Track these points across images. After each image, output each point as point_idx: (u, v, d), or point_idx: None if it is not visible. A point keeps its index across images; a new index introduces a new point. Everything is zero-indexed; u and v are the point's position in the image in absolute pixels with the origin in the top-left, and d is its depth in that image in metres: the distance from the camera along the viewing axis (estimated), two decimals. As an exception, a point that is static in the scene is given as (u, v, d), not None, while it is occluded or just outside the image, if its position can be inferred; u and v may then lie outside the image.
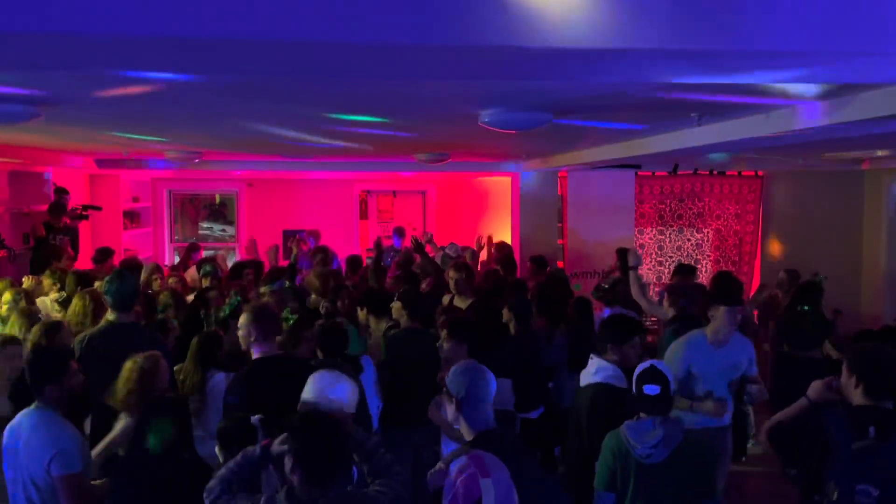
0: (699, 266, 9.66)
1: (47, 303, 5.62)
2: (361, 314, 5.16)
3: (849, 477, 2.71)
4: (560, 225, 9.84)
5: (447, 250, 8.02)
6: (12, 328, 4.50)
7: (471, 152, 8.15)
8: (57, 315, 5.17)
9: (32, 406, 3.23)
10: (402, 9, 2.07)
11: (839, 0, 2.26)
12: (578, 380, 4.01)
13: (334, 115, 4.89)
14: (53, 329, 4.14)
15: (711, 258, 10.14)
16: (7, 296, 5.08)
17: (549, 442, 5.17)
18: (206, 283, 6.33)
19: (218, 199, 11.68)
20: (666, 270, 9.64)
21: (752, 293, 8.42)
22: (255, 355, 3.68)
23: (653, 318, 7.27)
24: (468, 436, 2.91)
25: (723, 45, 2.27)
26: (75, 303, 4.75)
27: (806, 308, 6.26)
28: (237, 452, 2.74)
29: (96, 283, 5.21)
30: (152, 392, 3.44)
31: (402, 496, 2.66)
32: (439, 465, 2.84)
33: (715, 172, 9.92)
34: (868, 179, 9.99)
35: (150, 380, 3.47)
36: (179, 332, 4.92)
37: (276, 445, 2.59)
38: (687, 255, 10.04)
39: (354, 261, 7.79)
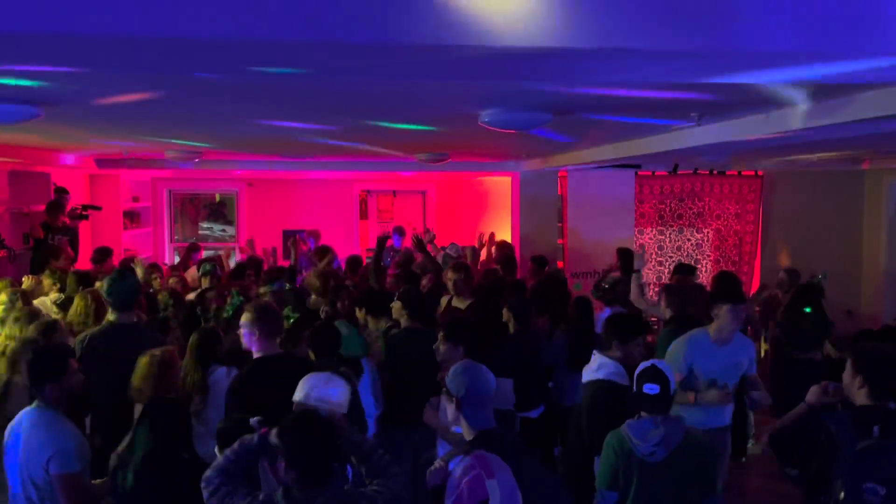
0: (699, 266, 9.67)
1: (47, 303, 5.62)
2: (360, 314, 5.16)
3: (855, 476, 2.72)
4: (560, 225, 9.84)
5: (448, 250, 8.02)
6: (12, 329, 4.49)
7: (471, 152, 8.16)
8: (56, 316, 5.16)
9: (33, 404, 3.24)
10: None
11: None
12: (580, 378, 4.02)
13: (334, 117, 4.90)
14: (50, 329, 4.14)
15: (711, 258, 10.14)
16: (2, 297, 5.07)
17: (548, 441, 5.17)
18: (205, 282, 6.34)
19: (218, 198, 11.68)
20: (666, 270, 9.64)
21: (752, 293, 8.42)
22: (256, 354, 3.67)
23: (653, 318, 7.27)
24: (469, 435, 2.91)
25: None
26: (77, 303, 4.75)
27: (807, 309, 6.27)
28: None
29: (97, 284, 5.21)
30: (168, 385, 3.47)
31: (400, 496, 2.67)
32: (438, 462, 2.85)
33: (715, 172, 9.92)
34: (868, 179, 10.00)
35: (166, 372, 3.49)
36: (179, 332, 4.93)
37: (274, 436, 2.60)
38: (687, 255, 10.04)
39: (354, 261, 7.79)
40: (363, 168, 9.65)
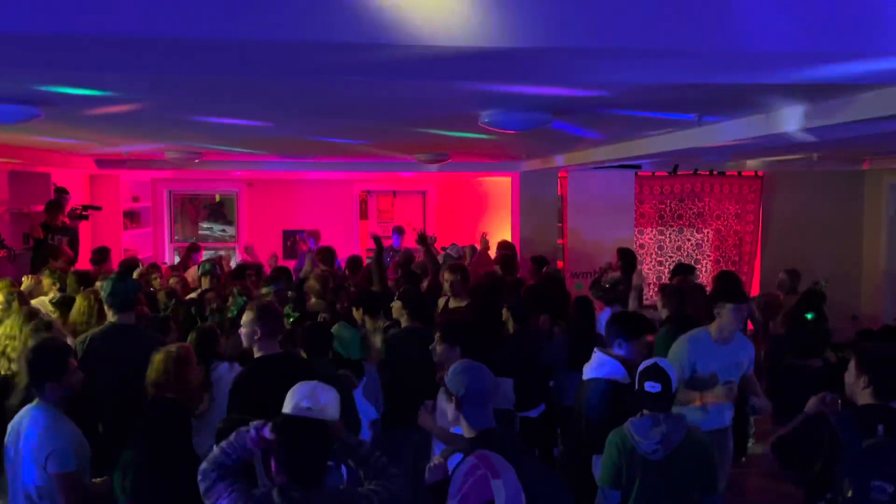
0: (699, 266, 9.68)
1: (46, 303, 5.61)
2: (357, 314, 5.16)
3: (862, 474, 2.72)
4: (560, 225, 9.84)
5: (449, 251, 8.02)
6: (13, 328, 4.48)
7: (471, 152, 8.16)
8: (53, 316, 5.15)
9: (34, 403, 3.25)
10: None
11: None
12: (580, 376, 4.03)
13: (337, 117, 4.90)
14: (45, 329, 4.14)
15: (711, 258, 10.15)
16: (0, 297, 5.06)
17: (548, 441, 5.17)
18: (205, 283, 6.34)
19: (218, 198, 11.69)
20: (666, 270, 9.64)
21: (751, 293, 8.42)
22: (257, 354, 3.66)
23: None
24: (469, 434, 2.91)
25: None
26: (79, 303, 4.75)
27: (808, 316, 6.27)
28: None
29: (97, 284, 5.21)
30: (185, 380, 3.48)
31: (398, 497, 2.66)
32: (437, 458, 2.84)
33: (715, 172, 9.93)
34: (868, 179, 10.00)
35: (182, 368, 3.50)
36: (178, 333, 4.92)
37: (270, 431, 2.60)
38: (687, 255, 10.04)
39: (355, 261, 7.78)
40: (363, 168, 9.65)
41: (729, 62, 2.52)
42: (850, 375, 2.97)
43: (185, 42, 2.11)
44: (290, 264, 8.49)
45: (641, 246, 9.91)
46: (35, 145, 7.02)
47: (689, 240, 10.13)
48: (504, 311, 5.13)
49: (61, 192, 8.23)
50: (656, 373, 3.25)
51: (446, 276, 5.85)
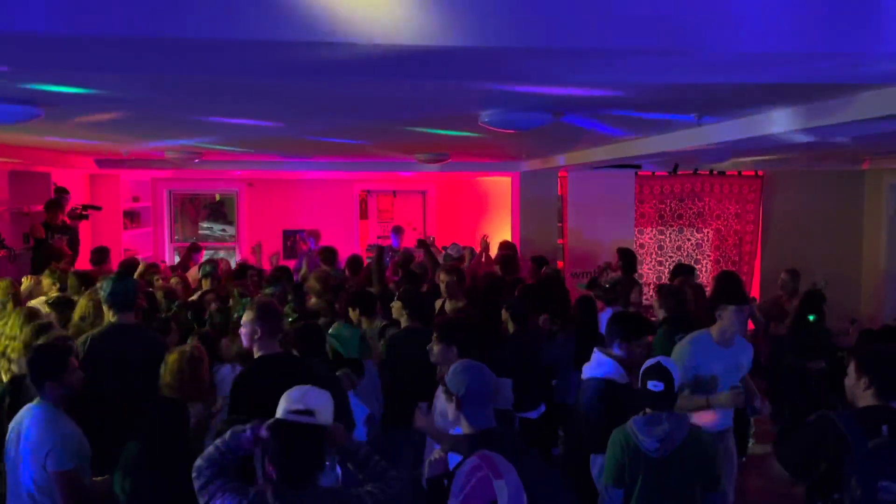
0: (699, 266, 9.68)
1: (43, 303, 5.60)
2: (353, 314, 5.16)
3: (869, 474, 2.73)
4: (560, 225, 9.84)
5: (449, 251, 8.02)
6: (13, 328, 4.48)
7: (471, 152, 8.16)
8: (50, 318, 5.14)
9: (35, 401, 3.27)
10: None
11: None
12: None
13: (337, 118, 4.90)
14: (44, 329, 4.14)
15: (711, 258, 10.15)
16: None
17: (548, 442, 5.17)
18: (206, 284, 6.34)
19: (218, 198, 11.69)
20: (666, 270, 9.64)
21: (751, 293, 8.42)
22: (257, 353, 3.65)
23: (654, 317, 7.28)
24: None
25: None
26: (82, 303, 4.75)
27: (810, 317, 6.27)
28: None
29: (97, 284, 5.20)
30: (199, 380, 3.49)
31: (396, 499, 2.66)
32: (437, 453, 2.84)
33: (715, 172, 9.93)
34: (868, 179, 10.00)
35: (196, 367, 3.52)
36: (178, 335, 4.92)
37: (265, 430, 2.60)
38: (687, 255, 10.04)
39: (355, 261, 7.77)
40: (363, 168, 9.65)
41: (727, 62, 2.53)
42: (851, 378, 2.97)
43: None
44: (290, 264, 8.50)
45: (641, 246, 9.91)
46: (35, 145, 7.02)
47: (689, 240, 10.13)
48: (503, 311, 5.13)
49: (61, 191, 8.23)
50: (659, 372, 3.29)
51: (442, 278, 5.84)
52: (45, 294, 5.86)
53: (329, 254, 7.57)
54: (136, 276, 6.25)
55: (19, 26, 2.00)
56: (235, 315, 4.97)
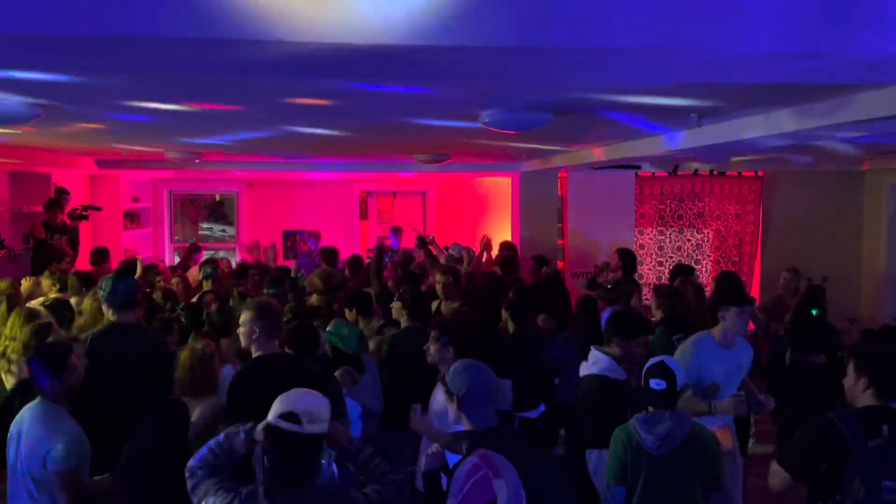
0: (699, 267, 9.67)
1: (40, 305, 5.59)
2: (350, 314, 5.16)
3: (872, 475, 2.73)
4: (560, 225, 9.84)
5: (450, 250, 8.01)
6: (13, 329, 4.48)
7: (471, 152, 8.15)
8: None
9: (36, 400, 3.28)
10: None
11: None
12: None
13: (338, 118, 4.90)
14: (43, 330, 4.15)
15: (711, 258, 10.15)
16: None
17: (548, 442, 5.18)
18: (207, 285, 6.34)
19: (218, 198, 11.69)
20: (665, 271, 9.64)
21: (751, 293, 8.42)
22: (255, 353, 3.63)
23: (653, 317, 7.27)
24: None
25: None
26: (86, 304, 4.75)
27: (813, 312, 6.27)
28: None
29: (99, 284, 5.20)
30: (210, 377, 3.48)
31: (394, 500, 2.65)
32: (435, 446, 2.84)
33: (715, 173, 9.92)
34: (868, 179, 9.99)
35: (207, 365, 3.54)
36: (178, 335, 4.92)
37: (258, 432, 2.59)
38: (687, 256, 10.04)
39: (356, 261, 7.77)
40: (363, 168, 9.66)
41: (728, 62, 2.53)
42: (850, 378, 2.97)
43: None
44: (290, 264, 8.50)
45: (641, 246, 9.91)
46: (35, 145, 7.02)
47: (689, 240, 10.13)
48: (503, 311, 5.13)
49: (61, 192, 8.23)
50: (662, 370, 3.32)
51: (438, 279, 5.83)
52: (44, 295, 5.86)
53: (330, 254, 7.58)
54: (136, 276, 6.25)
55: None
56: (238, 314, 4.98)
